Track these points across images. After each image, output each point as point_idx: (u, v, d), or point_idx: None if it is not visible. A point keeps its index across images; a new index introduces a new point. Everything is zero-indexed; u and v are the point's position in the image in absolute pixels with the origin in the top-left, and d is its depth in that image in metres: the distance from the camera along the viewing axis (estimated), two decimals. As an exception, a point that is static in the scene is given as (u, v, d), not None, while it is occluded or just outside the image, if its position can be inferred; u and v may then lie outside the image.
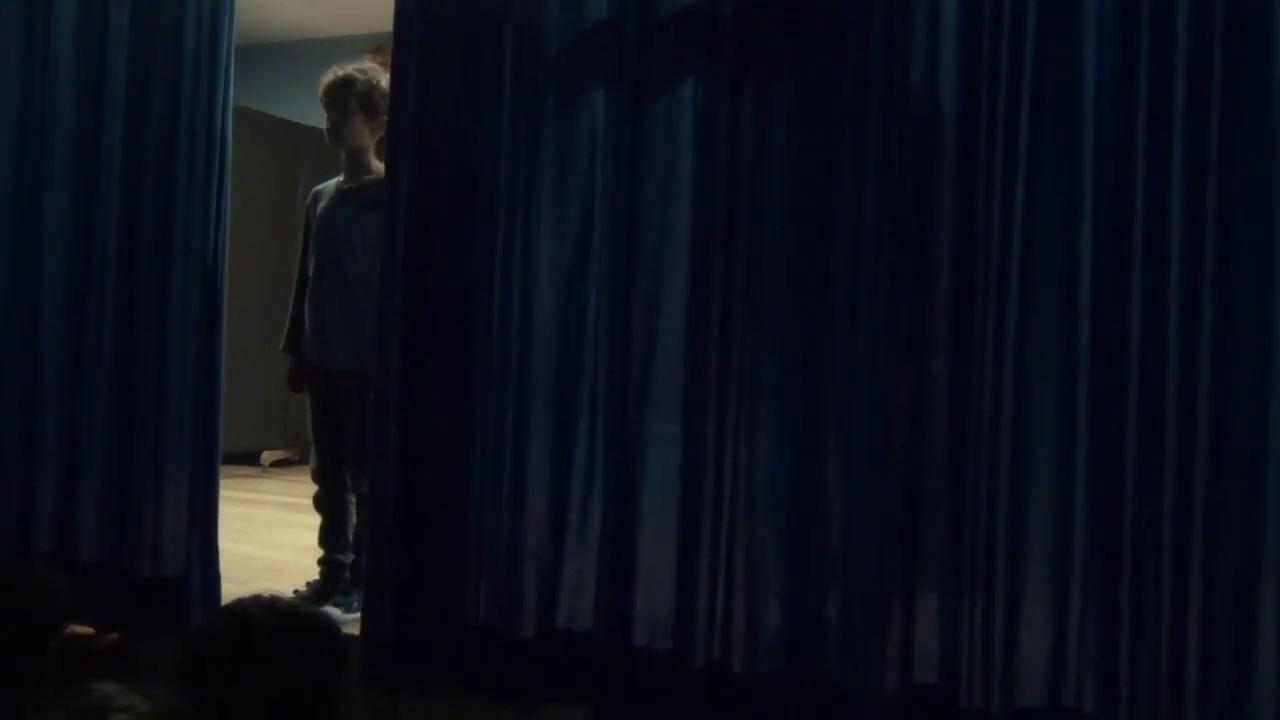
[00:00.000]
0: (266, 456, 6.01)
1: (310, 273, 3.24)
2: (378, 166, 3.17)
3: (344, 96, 3.16)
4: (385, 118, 3.11)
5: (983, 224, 2.27)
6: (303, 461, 5.44)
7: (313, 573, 3.22)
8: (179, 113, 3.14)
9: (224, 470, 3.23)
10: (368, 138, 3.17)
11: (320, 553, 3.22)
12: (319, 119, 3.29)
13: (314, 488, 3.29)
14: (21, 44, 3.36)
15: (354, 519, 3.18)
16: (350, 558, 3.16)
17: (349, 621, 2.89)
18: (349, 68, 3.19)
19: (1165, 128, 2.14)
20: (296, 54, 6.03)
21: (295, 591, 3.12)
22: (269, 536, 4.11)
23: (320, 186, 3.32)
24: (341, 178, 3.24)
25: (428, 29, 2.76)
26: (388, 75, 3.14)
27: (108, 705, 1.34)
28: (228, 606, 1.67)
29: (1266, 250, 2.09)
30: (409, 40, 2.78)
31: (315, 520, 3.29)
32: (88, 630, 3.01)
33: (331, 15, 5.94)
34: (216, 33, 3.13)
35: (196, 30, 3.13)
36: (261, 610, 1.57)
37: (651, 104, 2.56)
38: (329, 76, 3.20)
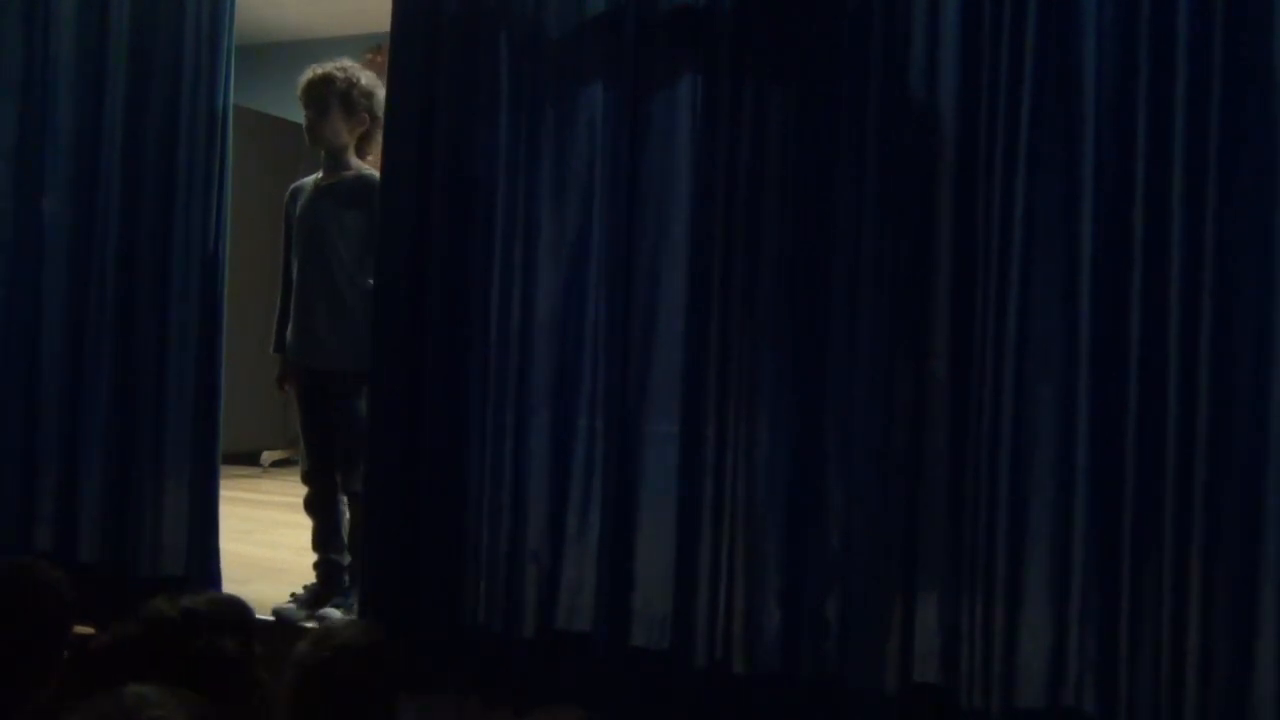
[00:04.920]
0: (266, 456, 6.01)
1: (294, 271, 3.23)
2: (356, 163, 3.16)
3: (323, 94, 3.14)
4: (364, 115, 3.13)
5: (983, 223, 2.27)
6: (304, 461, 5.42)
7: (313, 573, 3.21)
8: (179, 113, 3.15)
9: (224, 470, 3.23)
10: (346, 135, 3.15)
11: (314, 556, 3.21)
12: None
13: (309, 490, 3.27)
14: (22, 43, 3.36)
15: (347, 519, 3.16)
16: (347, 559, 3.14)
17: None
18: (328, 66, 3.18)
19: (1165, 127, 2.14)
20: (296, 54, 5.98)
21: (293, 595, 3.10)
22: (269, 536, 4.10)
23: (298, 184, 3.28)
24: (319, 174, 3.23)
25: (426, 28, 2.76)
26: (367, 73, 3.15)
27: (138, 710, 1.30)
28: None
29: (1267, 249, 2.09)
30: (407, 40, 2.78)
31: (316, 520, 3.28)
32: (88, 630, 3.01)
33: (331, 15, 5.93)
34: (216, 33, 3.14)
35: (196, 30, 3.14)
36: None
37: (650, 102, 2.56)
38: (307, 75, 3.18)
